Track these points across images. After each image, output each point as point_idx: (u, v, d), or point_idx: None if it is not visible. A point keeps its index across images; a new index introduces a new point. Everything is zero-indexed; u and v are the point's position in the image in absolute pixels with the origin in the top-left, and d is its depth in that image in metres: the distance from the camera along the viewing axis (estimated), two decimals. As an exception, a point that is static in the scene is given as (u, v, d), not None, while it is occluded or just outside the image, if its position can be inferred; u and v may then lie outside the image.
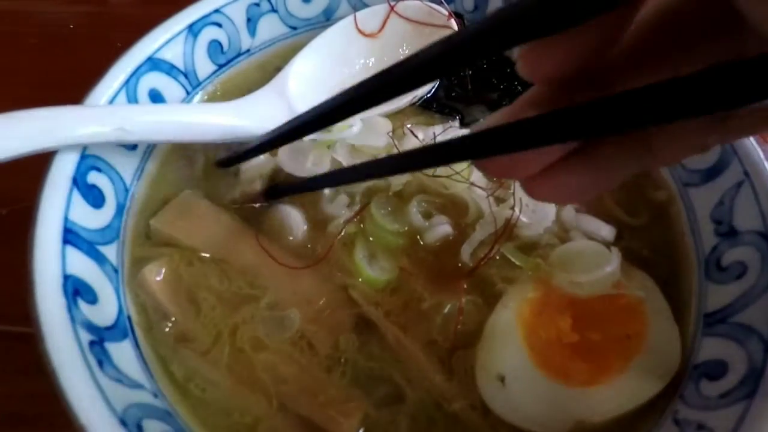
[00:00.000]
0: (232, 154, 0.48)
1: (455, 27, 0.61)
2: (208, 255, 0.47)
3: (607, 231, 0.50)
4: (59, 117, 0.41)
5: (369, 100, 0.30)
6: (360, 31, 0.60)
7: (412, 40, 0.62)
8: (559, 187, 0.26)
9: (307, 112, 0.36)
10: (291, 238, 0.48)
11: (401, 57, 0.60)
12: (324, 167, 0.49)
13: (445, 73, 0.26)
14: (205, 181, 0.52)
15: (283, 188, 0.49)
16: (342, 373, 0.42)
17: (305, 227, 0.48)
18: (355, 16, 0.60)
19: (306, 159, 0.49)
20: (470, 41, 0.23)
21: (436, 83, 0.60)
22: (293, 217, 0.48)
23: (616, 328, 0.44)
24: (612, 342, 0.43)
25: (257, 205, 0.50)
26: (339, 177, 0.45)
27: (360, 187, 0.50)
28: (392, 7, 0.61)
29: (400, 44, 0.62)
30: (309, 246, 0.48)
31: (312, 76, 0.57)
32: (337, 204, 0.49)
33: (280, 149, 0.49)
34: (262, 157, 0.50)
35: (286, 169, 0.49)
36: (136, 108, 0.47)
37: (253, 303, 0.45)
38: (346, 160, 0.50)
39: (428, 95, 0.60)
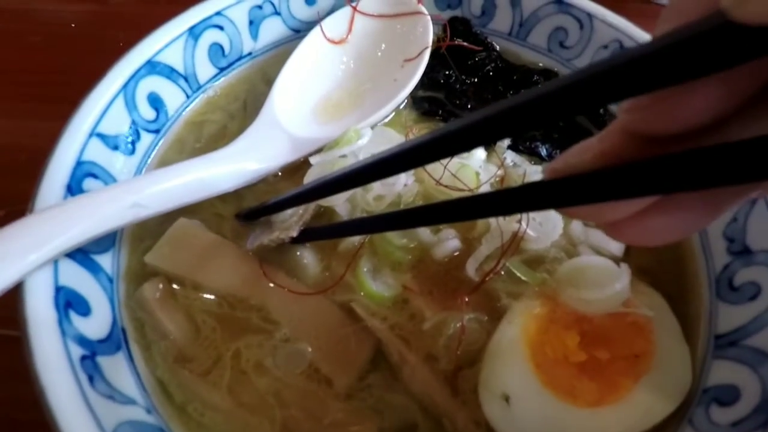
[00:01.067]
0: (254, 208, 0.47)
1: (425, 11, 0.60)
2: (213, 297, 0.44)
3: (615, 246, 0.48)
4: (73, 210, 0.38)
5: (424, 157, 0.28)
6: (329, 40, 0.59)
7: (385, 35, 0.61)
8: (656, 230, 0.23)
9: (338, 173, 0.34)
10: (315, 275, 0.46)
11: (378, 55, 0.61)
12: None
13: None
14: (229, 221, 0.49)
15: (312, 233, 0.46)
16: (348, 396, 0.41)
17: (318, 269, 0.46)
18: (321, 27, 0.59)
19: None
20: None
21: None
22: (307, 259, 0.46)
23: (624, 346, 0.42)
24: (619, 361, 0.41)
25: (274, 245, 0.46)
26: (375, 224, 0.41)
27: (381, 206, 0.47)
28: (354, 8, 0.60)
29: (374, 41, 0.61)
30: (319, 271, 0.46)
31: (297, 99, 0.56)
32: None
33: (306, 176, 0.48)
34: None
35: (321, 203, 0.46)
36: (145, 179, 0.45)
37: (261, 334, 0.43)
38: None
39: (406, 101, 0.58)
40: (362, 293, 0.45)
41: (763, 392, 0.36)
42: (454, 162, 0.48)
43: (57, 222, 0.37)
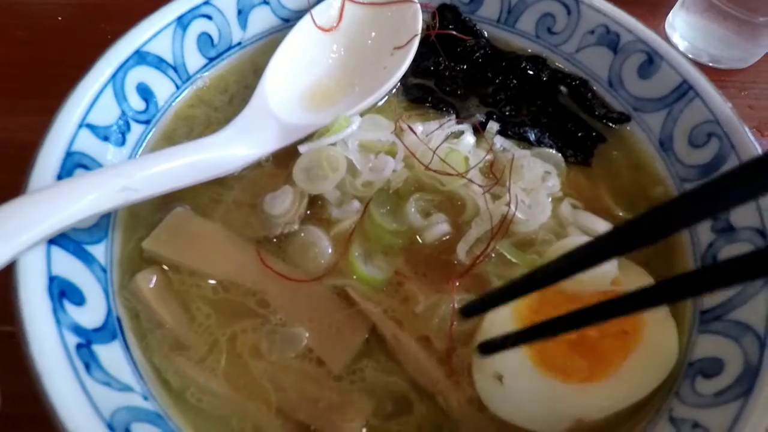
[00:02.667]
0: None
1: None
2: (214, 282, 0.45)
3: (603, 227, 0.49)
4: (64, 192, 0.38)
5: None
6: (319, 28, 0.59)
7: (374, 23, 0.61)
8: None
9: None
10: (322, 261, 0.46)
11: (369, 43, 0.61)
12: (342, 170, 0.47)
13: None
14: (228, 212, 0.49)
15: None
16: (343, 379, 0.42)
17: (330, 251, 0.46)
18: (311, 14, 0.59)
19: (321, 170, 0.47)
20: None
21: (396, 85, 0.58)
22: (321, 240, 0.46)
23: (613, 323, 0.43)
24: (609, 338, 0.42)
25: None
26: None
27: (370, 192, 0.48)
28: None
29: (364, 30, 0.61)
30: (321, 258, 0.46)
31: (287, 86, 0.56)
32: (344, 210, 0.47)
33: (294, 173, 0.47)
34: (290, 200, 0.47)
35: (309, 190, 0.47)
36: (136, 163, 0.46)
37: (256, 318, 0.44)
38: (356, 158, 0.48)
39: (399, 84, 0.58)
40: (354, 277, 0.45)
41: (745, 362, 0.37)
42: (443, 147, 0.49)
43: (48, 203, 0.37)
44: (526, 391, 0.40)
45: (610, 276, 0.44)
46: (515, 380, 0.40)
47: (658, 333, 0.43)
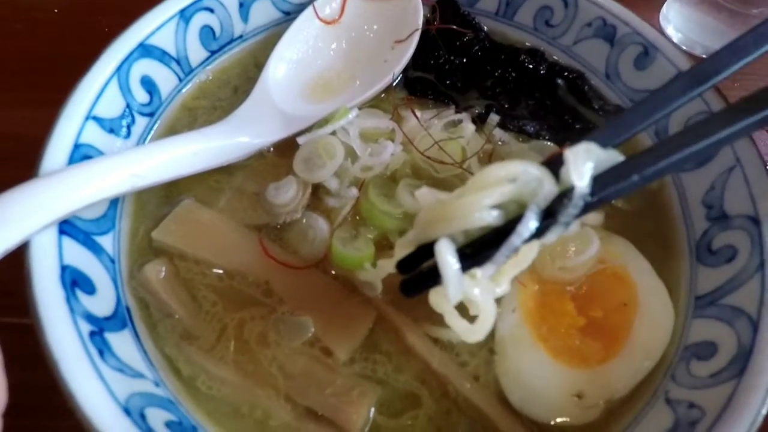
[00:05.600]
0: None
1: None
2: (221, 271, 0.46)
3: (593, 217, 0.49)
4: (74, 176, 0.39)
5: None
6: (321, 20, 0.60)
7: (376, 16, 0.62)
8: None
9: None
10: (320, 246, 0.46)
11: (370, 36, 0.62)
12: (339, 157, 0.47)
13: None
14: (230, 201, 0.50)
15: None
16: (349, 367, 0.42)
17: (328, 236, 0.47)
18: (314, 6, 0.59)
19: (319, 158, 0.47)
20: None
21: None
22: (320, 225, 0.47)
23: (612, 298, 0.45)
24: (612, 314, 0.44)
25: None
26: None
27: (369, 176, 0.48)
28: None
29: (365, 23, 0.62)
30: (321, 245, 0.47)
31: (289, 77, 0.57)
32: (342, 196, 0.48)
33: (294, 164, 0.48)
34: (294, 189, 0.48)
35: (309, 179, 0.47)
36: (142, 151, 0.47)
37: (263, 307, 0.44)
38: (357, 144, 0.49)
39: (400, 77, 0.59)
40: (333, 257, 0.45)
41: (738, 345, 0.39)
42: (441, 136, 0.49)
43: (59, 186, 0.38)
44: (554, 386, 0.42)
45: (593, 256, 0.45)
46: (539, 379, 0.42)
47: (652, 298, 0.45)
